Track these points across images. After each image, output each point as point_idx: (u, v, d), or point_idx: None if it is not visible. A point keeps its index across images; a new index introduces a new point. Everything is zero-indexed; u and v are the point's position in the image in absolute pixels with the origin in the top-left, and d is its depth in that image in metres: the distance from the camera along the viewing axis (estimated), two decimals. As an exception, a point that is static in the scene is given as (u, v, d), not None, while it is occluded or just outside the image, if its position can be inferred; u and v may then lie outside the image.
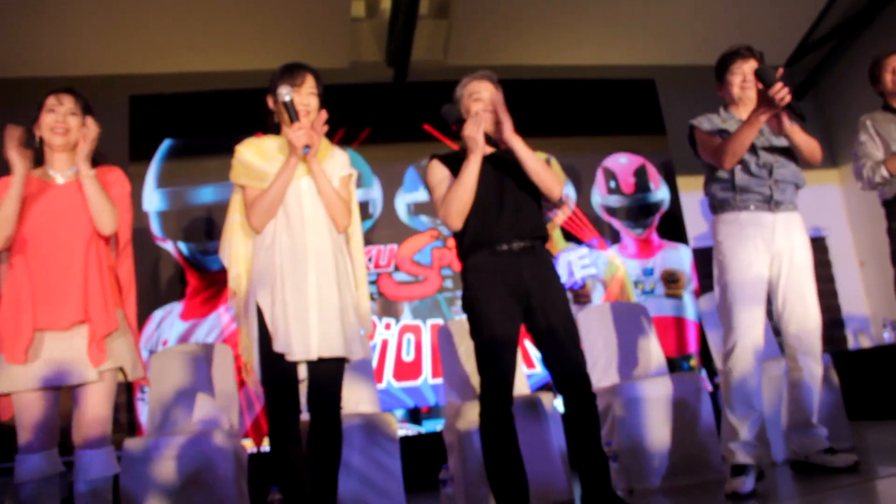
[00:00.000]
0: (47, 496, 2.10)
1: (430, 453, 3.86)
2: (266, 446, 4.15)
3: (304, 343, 2.12)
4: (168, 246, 4.56)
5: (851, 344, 5.64)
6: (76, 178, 2.26)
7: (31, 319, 2.11)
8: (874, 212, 3.34)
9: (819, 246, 5.73)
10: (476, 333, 2.37)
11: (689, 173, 5.00)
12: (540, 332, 2.36)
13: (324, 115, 2.27)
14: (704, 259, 4.88)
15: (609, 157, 5.33)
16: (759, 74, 2.53)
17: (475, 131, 2.36)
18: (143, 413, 4.17)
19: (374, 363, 4.47)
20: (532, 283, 2.36)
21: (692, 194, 5.38)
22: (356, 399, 3.43)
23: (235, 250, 2.30)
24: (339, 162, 2.36)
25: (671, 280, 5.12)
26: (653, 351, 3.67)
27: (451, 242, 4.69)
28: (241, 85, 4.68)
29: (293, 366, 2.17)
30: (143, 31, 4.60)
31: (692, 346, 5.02)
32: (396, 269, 4.78)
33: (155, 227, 4.57)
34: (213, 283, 4.52)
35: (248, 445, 4.23)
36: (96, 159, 2.29)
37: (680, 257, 5.19)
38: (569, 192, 5.16)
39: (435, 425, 4.49)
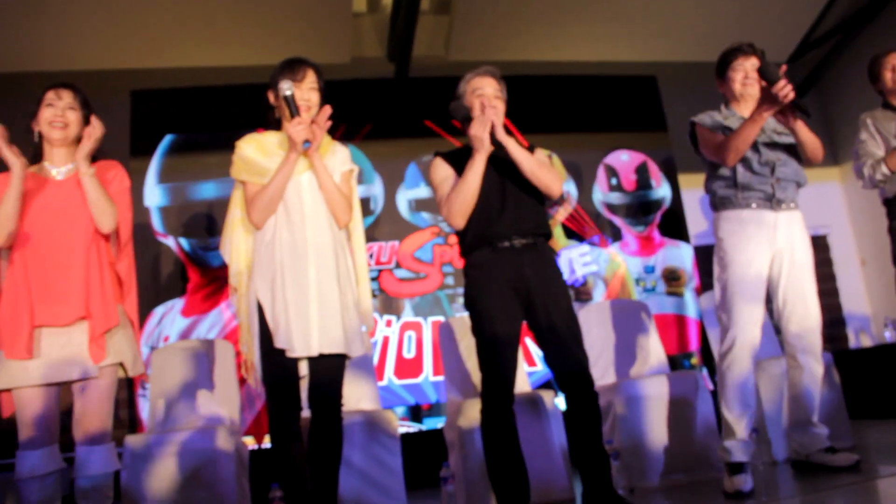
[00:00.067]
0: (48, 493, 2.10)
1: (430, 451, 3.86)
2: (267, 443, 4.15)
3: (304, 339, 2.11)
4: (169, 241, 4.56)
5: (852, 343, 5.64)
6: (75, 174, 2.25)
7: (30, 316, 2.11)
8: (875, 210, 3.33)
9: (820, 244, 5.73)
10: (477, 330, 2.37)
11: (691, 170, 4.98)
12: (542, 329, 2.36)
13: (327, 110, 2.26)
14: (706, 257, 4.86)
15: (610, 154, 5.32)
16: (762, 72, 2.53)
17: (481, 131, 2.35)
18: (145, 409, 4.17)
19: (375, 360, 4.46)
20: (534, 280, 2.35)
21: (694, 191, 5.37)
22: (357, 396, 3.42)
23: (236, 246, 2.29)
24: (340, 157, 2.35)
25: (672, 278, 5.11)
26: (654, 349, 3.67)
27: (453, 239, 4.69)
28: (242, 80, 4.67)
29: (294, 362, 2.16)
30: (144, 26, 4.60)
31: (693, 343, 5.01)
32: (398, 265, 4.77)
33: (156, 223, 4.57)
34: (215, 279, 4.51)
35: (249, 442, 4.22)
36: (95, 154, 2.28)
37: (681, 255, 5.18)
38: (570, 189, 5.16)
39: (436, 423, 4.49)
